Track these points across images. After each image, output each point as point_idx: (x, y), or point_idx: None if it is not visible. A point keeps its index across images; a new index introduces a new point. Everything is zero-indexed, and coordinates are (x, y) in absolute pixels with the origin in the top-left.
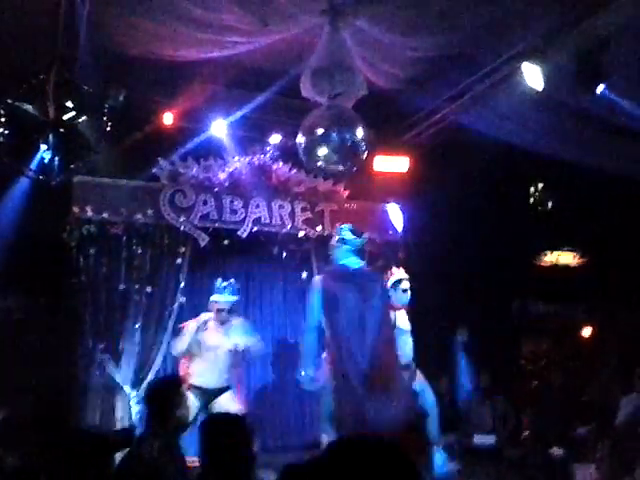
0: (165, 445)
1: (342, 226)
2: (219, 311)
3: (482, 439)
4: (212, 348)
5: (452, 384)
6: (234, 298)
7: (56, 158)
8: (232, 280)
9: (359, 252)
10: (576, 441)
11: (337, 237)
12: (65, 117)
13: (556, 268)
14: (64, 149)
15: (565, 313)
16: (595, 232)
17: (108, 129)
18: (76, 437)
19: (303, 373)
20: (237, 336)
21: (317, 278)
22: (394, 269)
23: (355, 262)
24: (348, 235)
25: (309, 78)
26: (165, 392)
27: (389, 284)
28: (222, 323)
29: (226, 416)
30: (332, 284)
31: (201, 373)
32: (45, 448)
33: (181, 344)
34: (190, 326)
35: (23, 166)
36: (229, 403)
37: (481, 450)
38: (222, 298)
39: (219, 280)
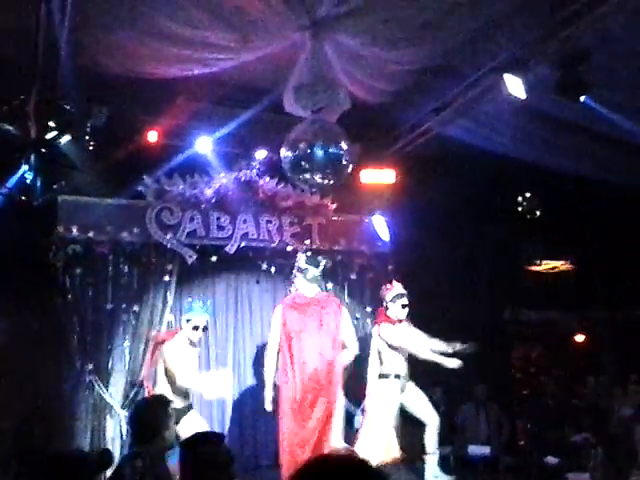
0: (149, 465)
1: (300, 255)
2: (195, 329)
3: (477, 450)
4: None
5: (446, 395)
6: (207, 317)
7: (38, 178)
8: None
9: (316, 280)
10: (571, 449)
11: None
12: (47, 137)
13: (546, 276)
14: (46, 169)
15: (556, 320)
16: (584, 239)
17: (91, 148)
18: (55, 461)
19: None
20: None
21: (278, 307)
22: (394, 283)
23: (311, 290)
24: (303, 264)
25: (292, 93)
26: (151, 412)
27: (388, 298)
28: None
29: (205, 436)
30: (290, 313)
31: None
32: (25, 474)
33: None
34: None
35: (3, 187)
36: (196, 422)
37: (476, 461)
38: (197, 316)
39: (189, 299)
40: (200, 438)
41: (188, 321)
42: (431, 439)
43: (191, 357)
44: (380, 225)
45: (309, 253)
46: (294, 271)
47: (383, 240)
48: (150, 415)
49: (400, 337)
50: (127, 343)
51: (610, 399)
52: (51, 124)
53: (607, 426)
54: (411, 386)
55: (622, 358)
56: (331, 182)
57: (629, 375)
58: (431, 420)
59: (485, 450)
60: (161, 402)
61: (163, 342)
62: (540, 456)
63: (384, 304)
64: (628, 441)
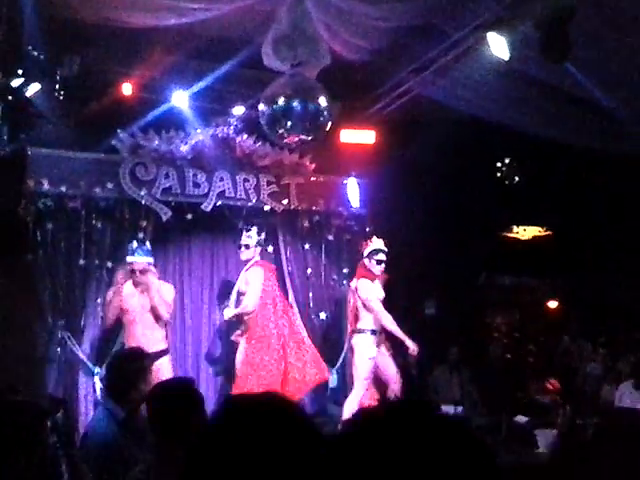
0: (122, 422)
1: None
2: (133, 272)
3: (449, 409)
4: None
5: (419, 356)
6: (149, 259)
7: (4, 127)
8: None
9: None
10: (540, 408)
11: None
12: (13, 84)
13: (522, 242)
14: (13, 117)
15: (530, 286)
16: (561, 206)
17: (62, 99)
18: (6, 406)
19: None
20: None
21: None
22: (374, 239)
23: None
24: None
25: (271, 46)
26: (127, 366)
27: (365, 253)
28: (137, 285)
29: (174, 383)
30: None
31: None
32: None
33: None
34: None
35: None
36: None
37: None
38: (136, 259)
39: (134, 242)
40: (169, 385)
41: (131, 264)
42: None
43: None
44: (353, 189)
45: None
46: None
47: (354, 203)
48: (126, 369)
49: (372, 294)
50: (100, 300)
51: (579, 359)
52: (18, 71)
53: (575, 384)
54: (384, 348)
55: (592, 322)
56: (309, 138)
57: (598, 338)
58: (395, 382)
59: (457, 410)
60: (137, 355)
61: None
62: (510, 415)
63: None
64: (595, 397)
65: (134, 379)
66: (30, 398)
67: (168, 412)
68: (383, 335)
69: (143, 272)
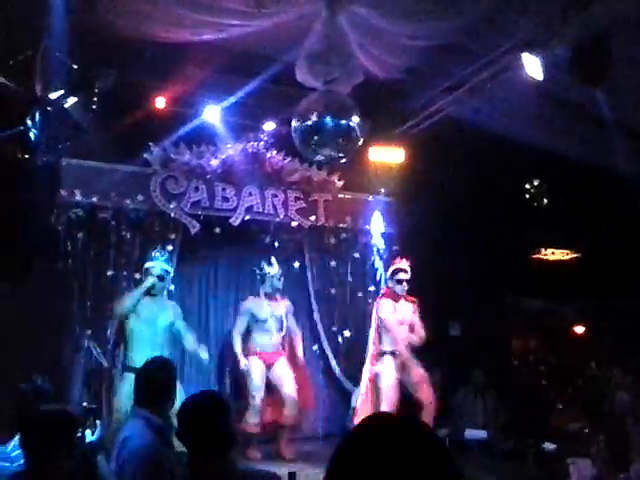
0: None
1: None
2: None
3: (474, 434)
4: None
5: (444, 378)
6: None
7: (42, 137)
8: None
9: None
10: (569, 436)
11: None
12: (52, 96)
13: (550, 264)
14: (51, 128)
15: (558, 310)
16: (590, 229)
17: (98, 111)
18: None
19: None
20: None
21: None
22: (397, 259)
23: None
24: None
25: (305, 62)
26: (160, 374)
27: (389, 273)
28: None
29: (206, 395)
30: None
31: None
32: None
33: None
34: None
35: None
36: None
37: (473, 445)
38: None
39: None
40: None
41: (147, 270)
42: (427, 420)
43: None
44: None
45: None
46: None
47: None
48: (158, 377)
49: (389, 314)
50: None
51: (609, 386)
52: (57, 84)
53: (604, 412)
54: (413, 365)
55: (622, 347)
56: (340, 155)
57: (627, 364)
58: (427, 402)
59: (482, 434)
60: (166, 364)
61: None
62: (537, 442)
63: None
64: (623, 427)
65: (167, 388)
66: (62, 406)
67: (200, 424)
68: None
69: (161, 278)
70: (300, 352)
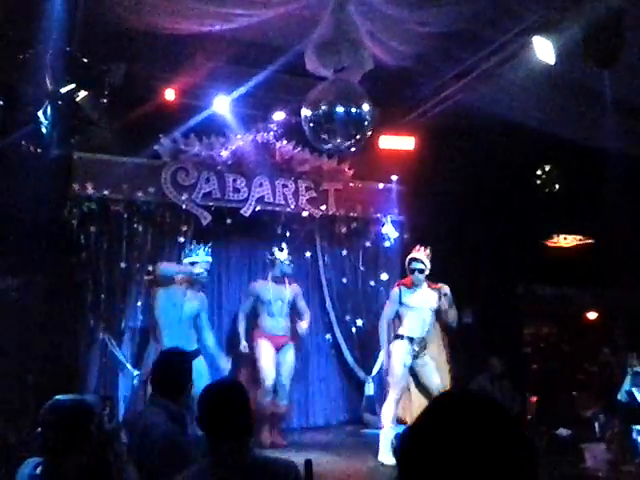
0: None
1: None
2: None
3: None
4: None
5: (457, 366)
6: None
7: (54, 131)
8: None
9: None
10: (584, 422)
11: None
12: (63, 90)
13: (563, 251)
14: (62, 122)
15: (570, 296)
16: (602, 215)
17: (107, 104)
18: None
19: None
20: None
21: None
22: (417, 247)
23: None
24: None
25: (314, 51)
26: (178, 364)
27: (406, 261)
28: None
29: (226, 384)
30: None
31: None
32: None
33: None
34: None
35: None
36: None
37: None
38: (202, 259)
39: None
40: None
41: (193, 264)
42: None
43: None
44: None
45: None
46: None
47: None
48: (177, 367)
49: (390, 298)
50: (140, 303)
51: (622, 372)
52: (67, 77)
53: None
54: (428, 358)
55: (634, 333)
56: (351, 143)
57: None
58: (438, 390)
59: None
60: (183, 354)
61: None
62: (551, 428)
63: None
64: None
65: (186, 377)
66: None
67: (220, 411)
68: (430, 345)
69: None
70: (305, 325)
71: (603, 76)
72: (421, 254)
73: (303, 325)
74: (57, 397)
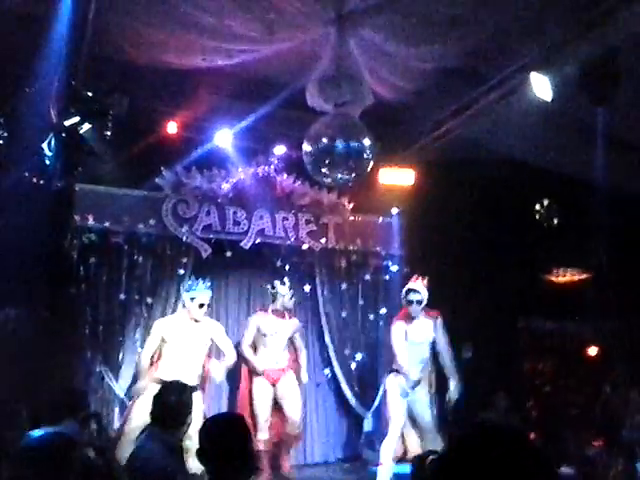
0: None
1: None
2: (200, 306)
3: None
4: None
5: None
6: (210, 293)
7: (57, 163)
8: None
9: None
10: (586, 459)
11: None
12: (67, 123)
13: (562, 285)
14: (66, 154)
15: (571, 331)
16: (602, 249)
17: (111, 137)
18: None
19: None
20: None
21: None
22: (412, 279)
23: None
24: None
25: (315, 86)
26: (177, 397)
27: (403, 292)
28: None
29: (227, 417)
30: None
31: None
32: None
33: None
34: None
35: (23, 170)
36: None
37: None
38: (201, 293)
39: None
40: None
41: (192, 299)
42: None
43: (195, 333)
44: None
45: None
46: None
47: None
48: (178, 400)
49: (396, 336)
50: (138, 336)
51: (625, 408)
52: (71, 110)
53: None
54: (423, 394)
55: (636, 369)
56: (352, 177)
57: None
58: (428, 432)
59: None
60: (183, 387)
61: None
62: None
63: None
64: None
65: (182, 410)
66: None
67: (221, 446)
68: (423, 380)
69: (202, 306)
70: (304, 370)
71: (598, 112)
72: (418, 284)
73: (304, 378)
74: (30, 433)
